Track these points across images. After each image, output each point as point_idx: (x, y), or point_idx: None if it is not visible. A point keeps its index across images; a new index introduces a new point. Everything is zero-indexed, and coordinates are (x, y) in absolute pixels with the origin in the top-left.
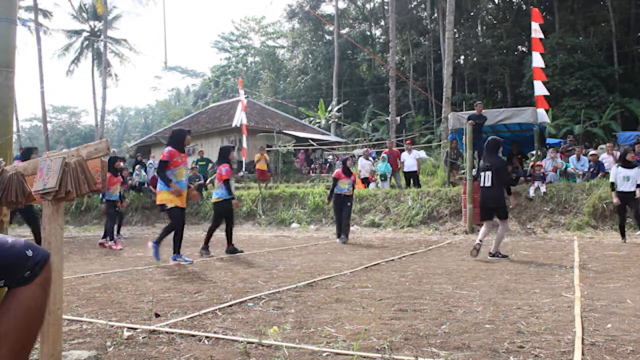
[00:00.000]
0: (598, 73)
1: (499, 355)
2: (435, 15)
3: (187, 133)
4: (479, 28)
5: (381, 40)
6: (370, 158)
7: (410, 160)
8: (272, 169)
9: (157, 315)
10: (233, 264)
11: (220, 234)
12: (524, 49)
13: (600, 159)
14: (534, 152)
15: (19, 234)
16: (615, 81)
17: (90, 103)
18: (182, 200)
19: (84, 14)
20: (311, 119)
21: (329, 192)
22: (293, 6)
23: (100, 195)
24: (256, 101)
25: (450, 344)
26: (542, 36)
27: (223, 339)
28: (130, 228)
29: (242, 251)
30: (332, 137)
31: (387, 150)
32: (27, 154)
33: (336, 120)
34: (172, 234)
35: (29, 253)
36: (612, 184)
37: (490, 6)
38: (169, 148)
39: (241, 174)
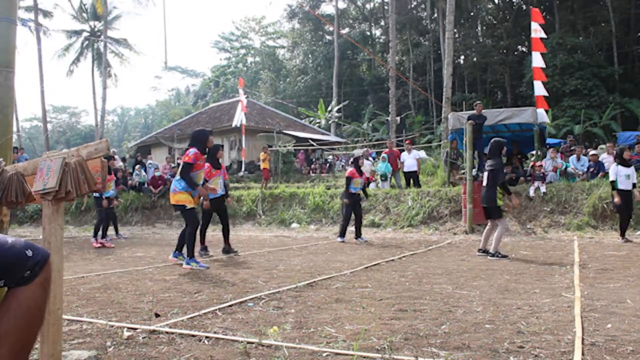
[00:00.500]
0: (598, 73)
1: (499, 355)
2: (435, 15)
3: (209, 133)
4: (479, 28)
5: (381, 40)
6: (371, 158)
7: (410, 160)
8: (272, 169)
9: (157, 315)
10: (233, 264)
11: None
12: (524, 49)
13: (600, 159)
14: (534, 152)
15: (19, 234)
16: (615, 81)
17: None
18: (196, 201)
19: (84, 14)
20: (311, 119)
21: (344, 191)
22: (293, 6)
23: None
24: (256, 101)
25: (450, 344)
26: (543, 36)
27: (223, 339)
28: (130, 228)
29: (236, 251)
30: (332, 137)
31: (387, 150)
32: None
33: (336, 120)
34: (183, 235)
35: (29, 253)
36: (613, 182)
37: (490, 6)
38: (194, 150)
39: (241, 174)
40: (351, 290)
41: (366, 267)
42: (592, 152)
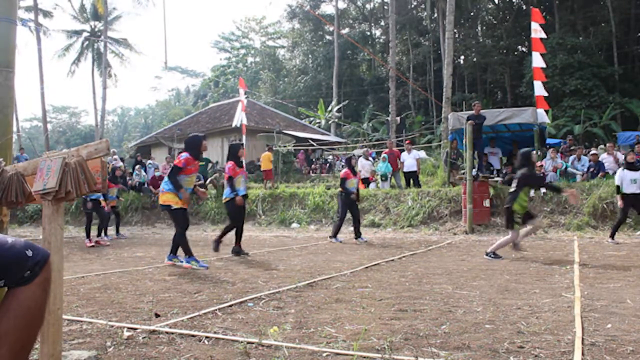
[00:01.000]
0: (598, 73)
1: (499, 355)
2: (435, 15)
3: (203, 139)
4: (479, 28)
5: (381, 40)
6: (370, 158)
7: (409, 160)
8: (273, 169)
9: (157, 315)
10: (233, 264)
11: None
12: (524, 49)
13: (600, 159)
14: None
15: (19, 234)
16: (615, 81)
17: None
18: (185, 202)
19: (85, 14)
20: (311, 119)
21: (342, 191)
22: (293, 6)
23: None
24: (256, 101)
25: (450, 344)
26: (543, 36)
27: (223, 339)
28: (130, 228)
29: (247, 254)
30: (332, 137)
31: (387, 150)
32: None
33: (336, 120)
34: (183, 233)
35: (29, 253)
36: (618, 187)
37: (490, 6)
38: (186, 155)
39: None
40: (351, 290)
41: (366, 267)
42: (592, 151)
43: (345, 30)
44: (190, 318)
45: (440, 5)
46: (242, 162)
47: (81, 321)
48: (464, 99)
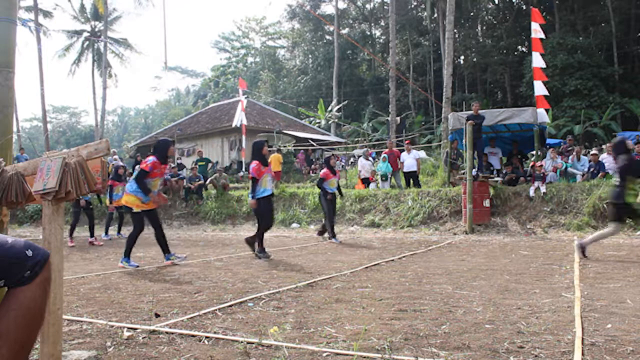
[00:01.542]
0: (598, 73)
1: (499, 355)
2: (435, 15)
3: (171, 144)
4: (479, 28)
5: (381, 40)
6: (370, 158)
7: (409, 160)
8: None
9: (157, 315)
10: (233, 264)
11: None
12: (524, 49)
13: (600, 159)
14: (534, 152)
15: (19, 234)
16: (615, 81)
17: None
18: (150, 205)
19: (85, 14)
20: (311, 119)
21: (321, 190)
22: (293, 6)
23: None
24: (256, 101)
25: (450, 344)
26: (542, 36)
27: (223, 339)
28: (130, 228)
29: (270, 256)
30: (332, 137)
31: (387, 150)
32: None
33: (336, 120)
34: (136, 237)
35: (29, 253)
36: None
37: (490, 6)
38: (153, 158)
39: (241, 174)
40: (351, 290)
41: (366, 267)
42: (592, 151)
43: (345, 30)
44: (190, 318)
45: (440, 5)
46: (267, 159)
47: (81, 321)
48: (464, 99)
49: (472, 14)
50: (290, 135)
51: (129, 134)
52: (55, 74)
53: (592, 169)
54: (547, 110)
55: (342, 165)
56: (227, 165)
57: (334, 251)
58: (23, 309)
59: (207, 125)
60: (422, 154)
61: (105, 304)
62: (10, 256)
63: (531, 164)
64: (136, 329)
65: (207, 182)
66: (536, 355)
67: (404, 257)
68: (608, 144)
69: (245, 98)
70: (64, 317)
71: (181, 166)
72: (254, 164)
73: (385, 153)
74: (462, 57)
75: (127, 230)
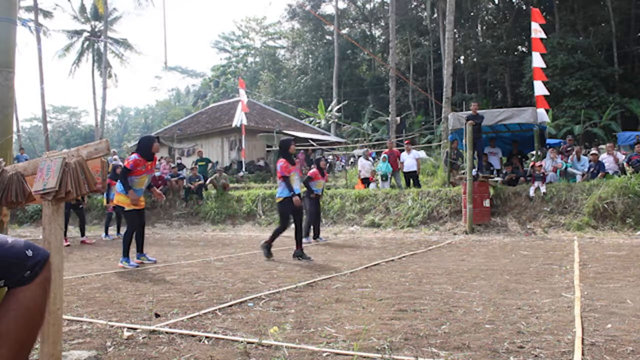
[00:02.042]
0: (598, 73)
1: (499, 355)
2: (435, 15)
3: (154, 140)
4: (479, 28)
5: (381, 40)
6: (370, 158)
7: (409, 160)
8: (272, 169)
9: (157, 315)
10: (233, 264)
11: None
12: (524, 49)
13: (600, 159)
14: (534, 152)
15: (19, 234)
16: (615, 81)
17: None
18: (139, 204)
19: (85, 15)
20: (311, 119)
21: (305, 189)
22: (293, 6)
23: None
24: (256, 101)
25: (450, 344)
26: (543, 36)
27: (223, 339)
28: None
29: (310, 258)
30: (332, 137)
31: (387, 150)
32: None
33: (336, 120)
34: (131, 235)
35: (29, 253)
36: None
37: (490, 6)
38: (135, 156)
39: (241, 174)
40: (351, 290)
41: (366, 267)
42: (592, 151)
43: (345, 30)
44: (190, 318)
45: (440, 5)
46: (294, 158)
47: (81, 321)
48: (464, 99)
49: (472, 14)
50: (290, 135)
51: (129, 134)
52: (55, 74)
53: (592, 169)
54: (547, 110)
55: (342, 165)
56: (227, 165)
57: (334, 251)
58: (23, 309)
59: (207, 125)
60: (422, 154)
61: (105, 304)
62: (10, 256)
63: (531, 164)
64: (136, 329)
65: (207, 182)
66: (536, 355)
67: (404, 257)
68: (608, 144)
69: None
70: (64, 317)
71: (181, 166)
72: (281, 162)
73: (385, 153)
74: (462, 57)
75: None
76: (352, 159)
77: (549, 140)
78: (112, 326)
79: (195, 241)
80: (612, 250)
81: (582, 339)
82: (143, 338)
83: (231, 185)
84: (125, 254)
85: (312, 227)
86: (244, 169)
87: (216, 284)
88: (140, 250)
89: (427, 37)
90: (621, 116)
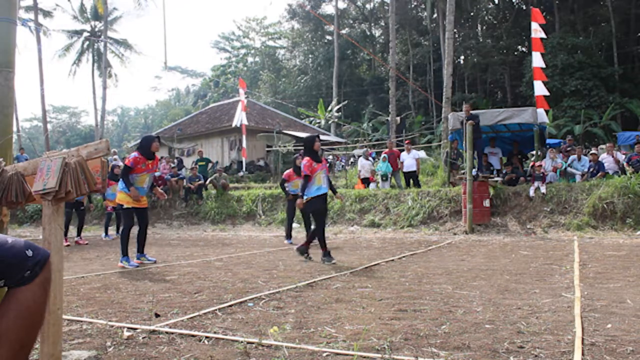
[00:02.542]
0: (598, 73)
1: (499, 355)
2: (435, 15)
3: (154, 140)
4: (479, 28)
5: (381, 40)
6: (370, 158)
7: (409, 160)
8: (272, 169)
9: (157, 315)
10: (233, 264)
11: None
12: (524, 49)
13: (600, 159)
14: (534, 152)
15: (19, 234)
16: (615, 81)
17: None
18: (140, 203)
19: (85, 15)
20: (311, 119)
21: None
22: (293, 6)
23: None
24: (256, 101)
25: (450, 344)
26: (543, 36)
27: (223, 339)
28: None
29: (333, 261)
30: (332, 137)
31: (387, 150)
32: None
33: (336, 120)
34: (128, 233)
35: (29, 253)
36: None
37: (490, 6)
38: (135, 154)
39: (241, 174)
40: (351, 290)
41: (366, 267)
42: (592, 151)
43: (345, 30)
44: (190, 318)
45: (440, 5)
46: (320, 155)
47: (81, 321)
48: (464, 99)
49: (472, 14)
50: (290, 135)
51: (129, 134)
52: (55, 74)
53: (592, 169)
54: (547, 111)
55: (342, 165)
56: (227, 165)
57: (333, 251)
58: (23, 309)
59: (207, 125)
60: (422, 154)
61: (105, 304)
62: (10, 256)
63: (531, 164)
64: (136, 329)
65: (207, 182)
66: (536, 355)
67: (404, 257)
68: (608, 144)
69: (246, 98)
70: (64, 317)
71: (181, 166)
72: (305, 160)
73: (385, 153)
74: (462, 57)
75: None
76: (352, 159)
77: (549, 140)
78: (112, 326)
79: (195, 241)
80: (612, 250)
81: (582, 339)
82: (143, 338)
83: (231, 185)
84: (125, 253)
85: (290, 227)
86: (244, 169)
87: (216, 284)
88: (140, 250)
89: (427, 37)
90: (621, 116)
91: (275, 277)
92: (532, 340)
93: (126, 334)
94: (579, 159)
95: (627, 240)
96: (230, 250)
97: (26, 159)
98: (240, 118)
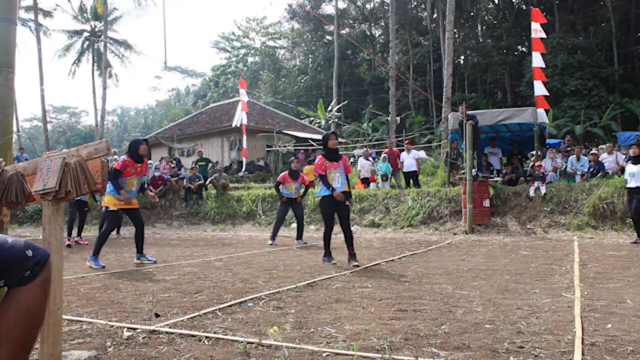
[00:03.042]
0: (598, 73)
1: (499, 355)
2: (435, 15)
3: (141, 143)
4: (479, 28)
5: (381, 40)
6: (370, 158)
7: (409, 160)
8: (272, 169)
9: (157, 315)
10: (233, 264)
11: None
12: (524, 49)
13: (600, 159)
14: (534, 152)
15: (19, 234)
16: (615, 81)
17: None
18: (130, 204)
19: (85, 15)
20: (311, 119)
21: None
22: (293, 6)
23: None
24: (256, 101)
25: (450, 344)
26: (543, 36)
27: (223, 339)
28: (130, 228)
29: (334, 262)
30: None
31: (387, 150)
32: None
33: (336, 120)
34: (107, 235)
35: (29, 253)
36: (626, 180)
37: (490, 6)
38: (124, 157)
39: (241, 174)
40: (351, 290)
41: (366, 267)
42: (592, 151)
43: (345, 30)
44: (190, 318)
45: (440, 5)
46: (335, 152)
47: (81, 321)
48: (464, 99)
49: (472, 14)
50: (290, 135)
51: (129, 134)
52: (55, 74)
53: (591, 169)
54: (547, 111)
55: None
56: (227, 165)
57: (334, 251)
58: (23, 309)
59: (207, 125)
60: (422, 154)
61: (105, 304)
62: (11, 256)
63: (531, 164)
64: (136, 329)
65: (207, 182)
66: (536, 355)
67: (404, 257)
68: (608, 144)
69: (247, 99)
70: (64, 317)
71: (179, 165)
72: (317, 159)
73: (385, 153)
74: (462, 57)
75: (125, 230)
76: (352, 159)
77: (549, 140)
78: (112, 326)
79: (195, 241)
80: (612, 250)
81: (582, 339)
82: (143, 338)
83: (231, 185)
84: (95, 253)
85: (277, 229)
86: (244, 169)
87: (216, 284)
88: (140, 250)
89: (427, 37)
90: (621, 116)
91: (275, 277)
92: (532, 340)
93: (126, 334)
94: (578, 158)
95: (627, 240)
96: (230, 250)
97: (26, 159)
98: (240, 118)
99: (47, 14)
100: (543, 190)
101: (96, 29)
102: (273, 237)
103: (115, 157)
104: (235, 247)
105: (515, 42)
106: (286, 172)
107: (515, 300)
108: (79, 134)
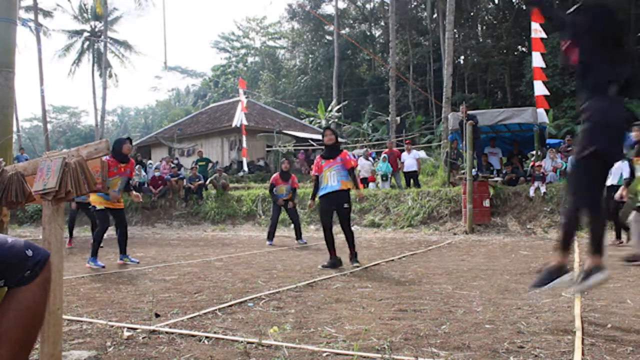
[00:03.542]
0: None
1: (499, 355)
2: (435, 15)
3: (124, 142)
4: (479, 28)
5: (381, 40)
6: (370, 158)
7: (409, 160)
8: (272, 169)
9: (157, 315)
10: (233, 264)
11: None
12: (524, 49)
13: None
14: (534, 152)
15: (19, 234)
16: None
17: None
18: (115, 204)
19: (85, 15)
20: (311, 119)
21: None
22: (293, 6)
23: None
24: (256, 101)
25: (450, 344)
26: (543, 36)
27: (223, 339)
28: (130, 228)
29: (358, 264)
30: None
31: (387, 150)
32: None
33: (336, 120)
34: (102, 235)
35: (29, 253)
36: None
37: (490, 6)
38: (106, 157)
39: (241, 173)
40: (351, 290)
41: (366, 267)
42: None
43: (345, 30)
44: (190, 318)
45: (440, 5)
46: (332, 149)
47: (81, 321)
48: (464, 99)
49: (472, 14)
50: (290, 135)
51: (129, 134)
52: (55, 74)
53: None
54: (547, 111)
55: None
56: (227, 165)
57: None
58: (23, 309)
59: (207, 125)
60: (422, 154)
61: (105, 304)
62: (11, 256)
63: (531, 164)
64: (136, 329)
65: (207, 182)
66: (536, 355)
67: (404, 257)
68: None
69: (246, 98)
70: (64, 317)
71: (178, 166)
72: (316, 159)
73: (385, 153)
74: (462, 57)
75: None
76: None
77: (549, 140)
78: (112, 326)
79: (195, 241)
80: (612, 251)
81: (582, 339)
82: (143, 338)
83: (231, 185)
84: (94, 254)
85: (272, 229)
86: (244, 169)
87: (216, 284)
88: (123, 251)
89: (427, 37)
90: None
91: (275, 277)
92: (532, 340)
93: (126, 334)
94: None
95: (627, 240)
96: (230, 250)
97: (26, 159)
98: (240, 118)
99: (47, 14)
100: (543, 190)
101: (96, 29)
102: (270, 237)
103: None
104: (235, 247)
105: (515, 42)
106: (277, 173)
107: (515, 300)
108: (79, 134)
